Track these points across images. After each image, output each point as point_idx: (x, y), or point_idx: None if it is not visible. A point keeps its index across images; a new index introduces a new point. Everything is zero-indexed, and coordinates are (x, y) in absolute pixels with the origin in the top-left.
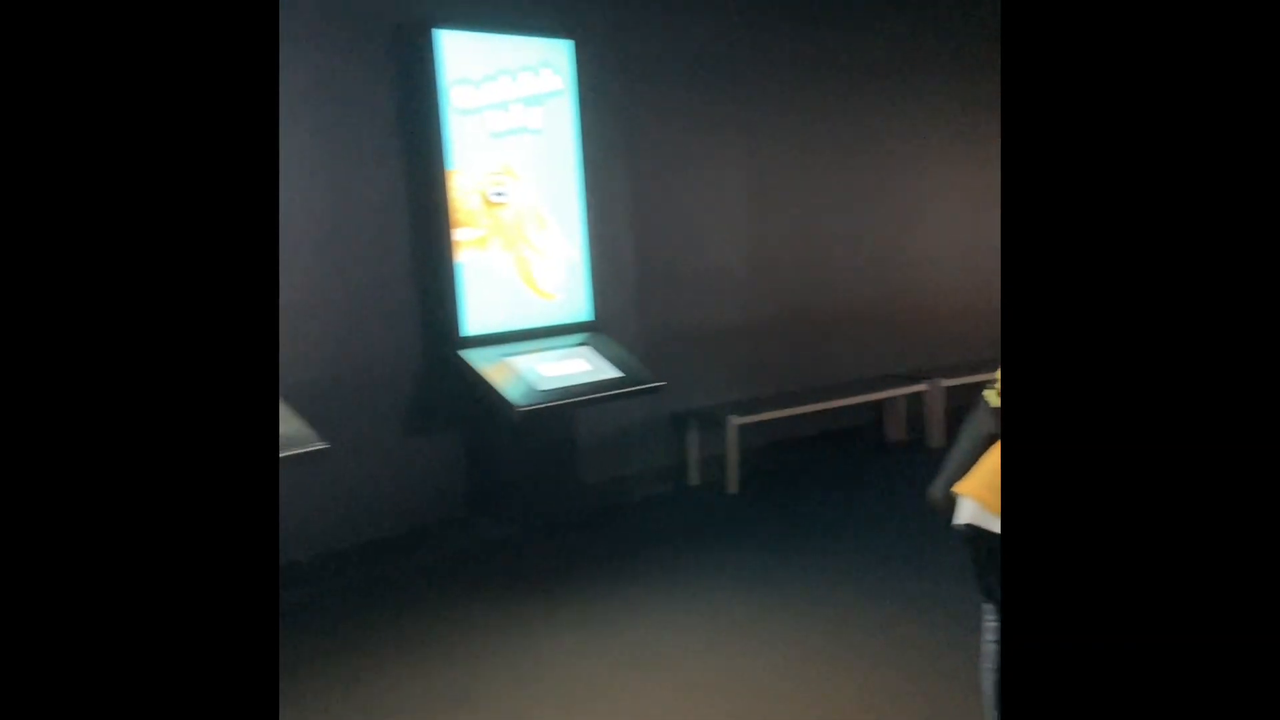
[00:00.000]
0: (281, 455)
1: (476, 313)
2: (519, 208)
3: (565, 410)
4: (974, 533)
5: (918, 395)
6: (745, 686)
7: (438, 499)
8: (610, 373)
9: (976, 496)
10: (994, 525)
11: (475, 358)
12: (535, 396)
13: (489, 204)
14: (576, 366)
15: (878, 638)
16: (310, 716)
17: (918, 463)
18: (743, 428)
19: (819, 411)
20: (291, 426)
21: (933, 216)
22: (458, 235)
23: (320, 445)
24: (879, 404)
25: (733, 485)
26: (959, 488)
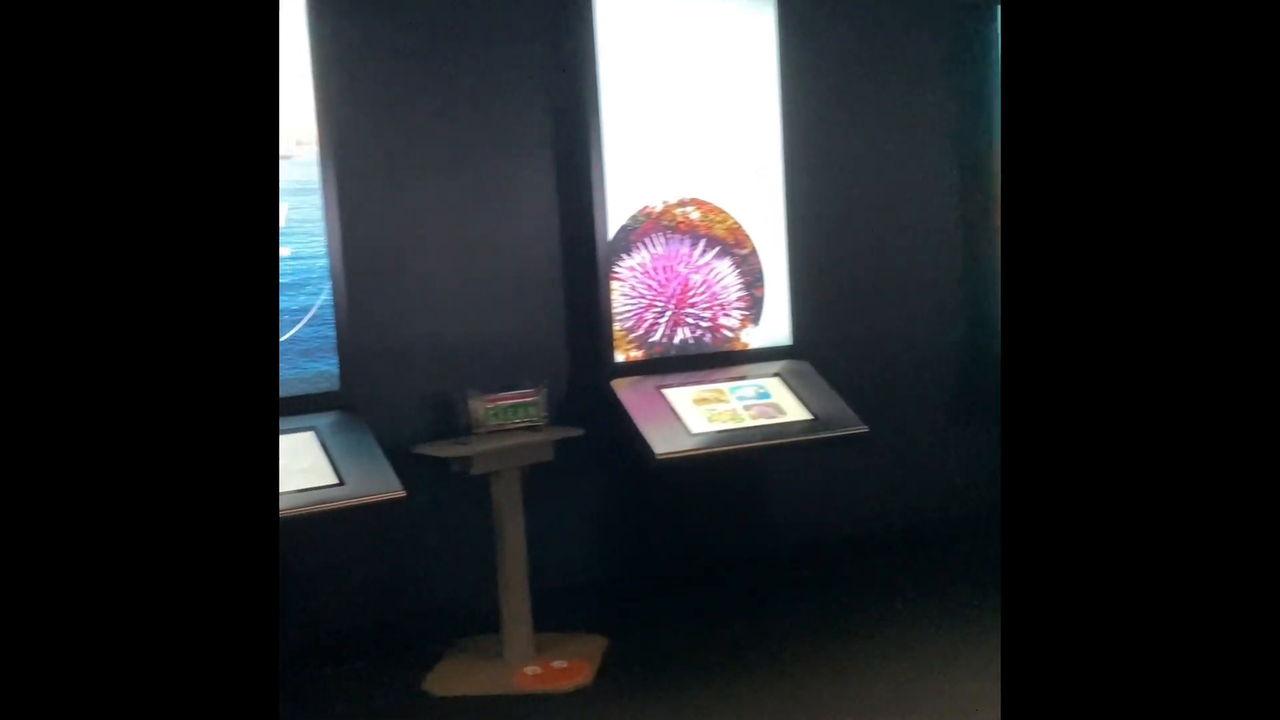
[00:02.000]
0: (824, 436)
1: None
2: None
3: None
4: None
5: None
6: None
7: (973, 491)
8: None
9: None
10: None
11: None
12: None
13: None
14: None
15: None
16: (824, 691)
17: None
18: None
19: None
20: (834, 407)
21: None
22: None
23: (860, 429)
24: None
25: None
26: None
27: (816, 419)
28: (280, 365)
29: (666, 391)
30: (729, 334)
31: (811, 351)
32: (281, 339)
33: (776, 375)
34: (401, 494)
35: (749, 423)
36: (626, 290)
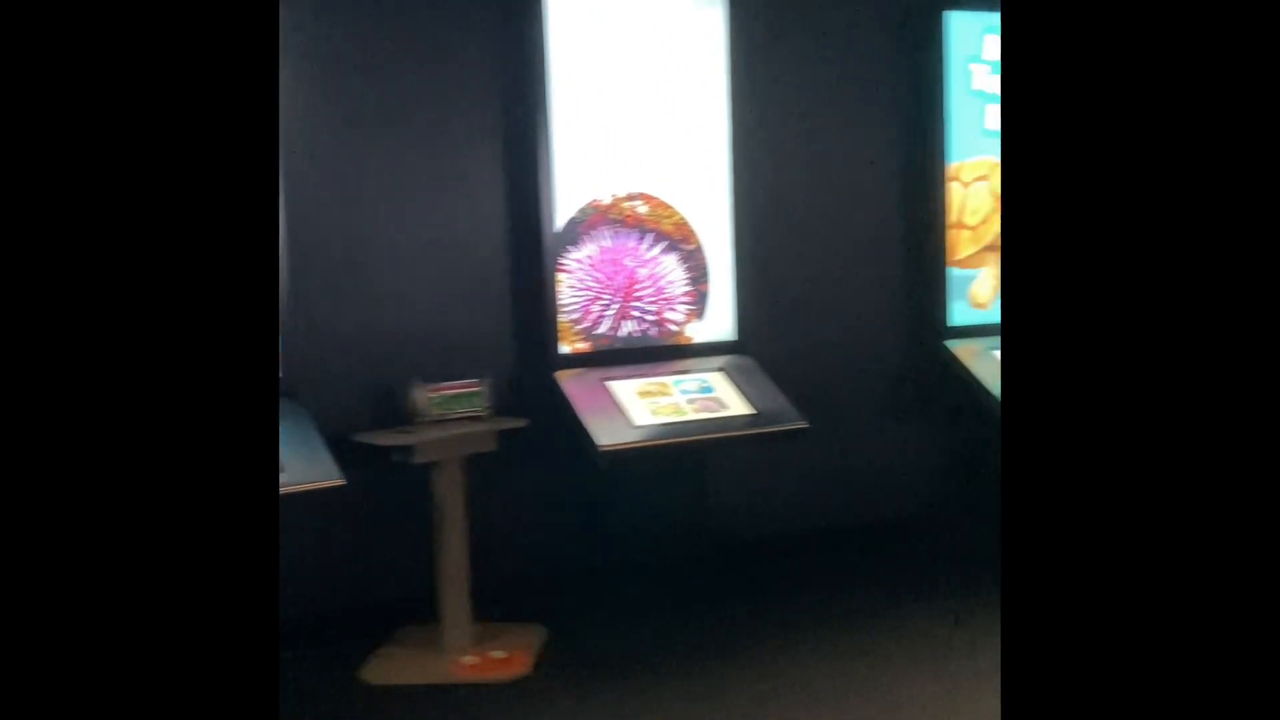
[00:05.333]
0: (763, 430)
1: (965, 302)
2: None
3: None
4: None
5: None
6: None
7: (913, 491)
8: None
9: None
10: None
11: (961, 349)
12: None
13: (991, 193)
14: None
15: None
16: (762, 687)
17: None
18: None
19: None
20: (775, 402)
21: None
22: (951, 221)
23: (800, 424)
24: None
25: None
26: None
27: (758, 414)
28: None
29: (611, 384)
30: (674, 328)
31: (755, 347)
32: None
33: (720, 370)
34: (341, 482)
35: (691, 416)
36: (573, 282)
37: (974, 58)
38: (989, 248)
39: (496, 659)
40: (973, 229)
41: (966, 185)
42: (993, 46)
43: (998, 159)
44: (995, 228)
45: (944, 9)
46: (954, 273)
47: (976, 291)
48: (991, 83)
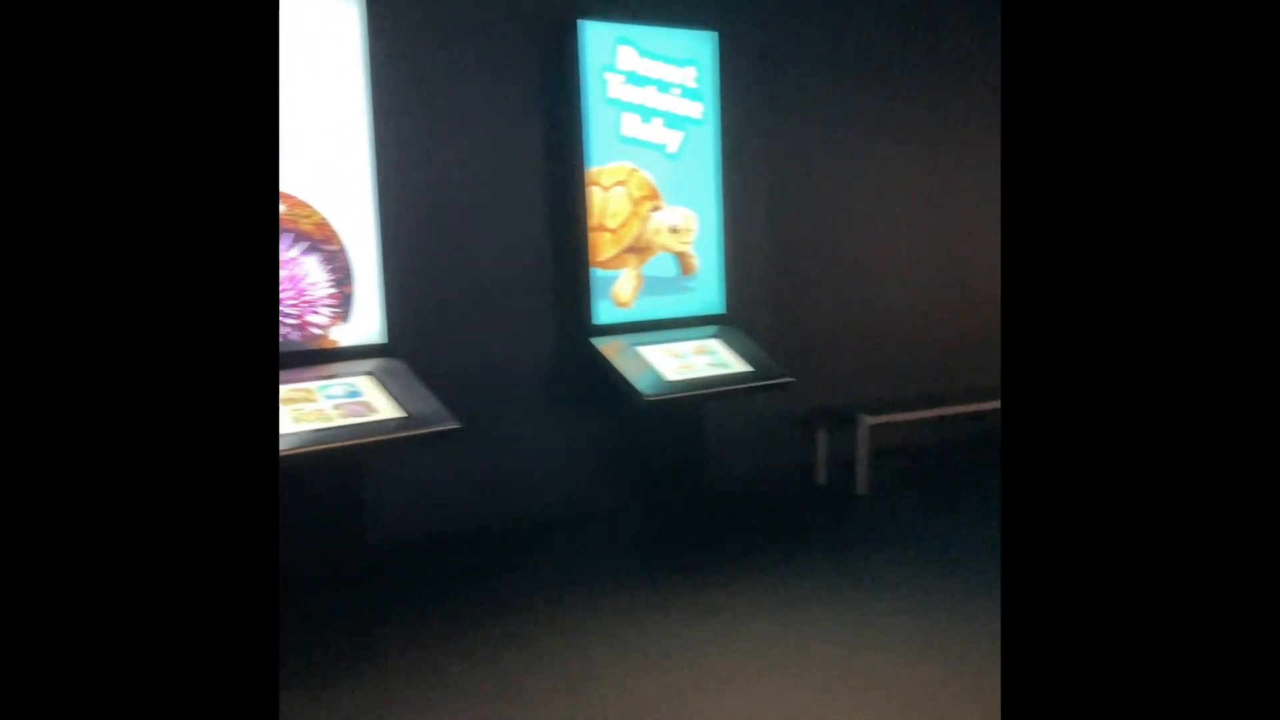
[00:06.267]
0: (414, 433)
1: (609, 302)
2: (655, 198)
3: (694, 403)
4: None
5: None
6: (872, 686)
7: (566, 485)
8: (740, 366)
9: None
10: None
11: (606, 346)
12: (663, 387)
13: (629, 197)
14: (706, 359)
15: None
16: (431, 694)
17: None
18: (875, 428)
19: (958, 415)
20: (426, 404)
21: None
22: (592, 224)
23: (452, 425)
24: None
25: (862, 486)
26: None
27: (409, 416)
28: None
29: None
30: (317, 332)
31: (405, 350)
32: None
33: (369, 374)
34: None
35: (338, 422)
36: None
37: (609, 67)
38: (629, 249)
39: None
40: (613, 232)
41: (606, 190)
42: (626, 56)
43: (634, 164)
44: (634, 230)
45: (578, 18)
46: (597, 273)
47: (618, 291)
48: (626, 91)
